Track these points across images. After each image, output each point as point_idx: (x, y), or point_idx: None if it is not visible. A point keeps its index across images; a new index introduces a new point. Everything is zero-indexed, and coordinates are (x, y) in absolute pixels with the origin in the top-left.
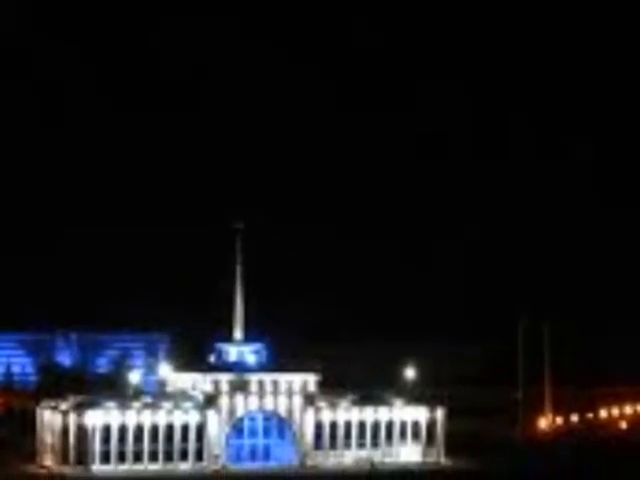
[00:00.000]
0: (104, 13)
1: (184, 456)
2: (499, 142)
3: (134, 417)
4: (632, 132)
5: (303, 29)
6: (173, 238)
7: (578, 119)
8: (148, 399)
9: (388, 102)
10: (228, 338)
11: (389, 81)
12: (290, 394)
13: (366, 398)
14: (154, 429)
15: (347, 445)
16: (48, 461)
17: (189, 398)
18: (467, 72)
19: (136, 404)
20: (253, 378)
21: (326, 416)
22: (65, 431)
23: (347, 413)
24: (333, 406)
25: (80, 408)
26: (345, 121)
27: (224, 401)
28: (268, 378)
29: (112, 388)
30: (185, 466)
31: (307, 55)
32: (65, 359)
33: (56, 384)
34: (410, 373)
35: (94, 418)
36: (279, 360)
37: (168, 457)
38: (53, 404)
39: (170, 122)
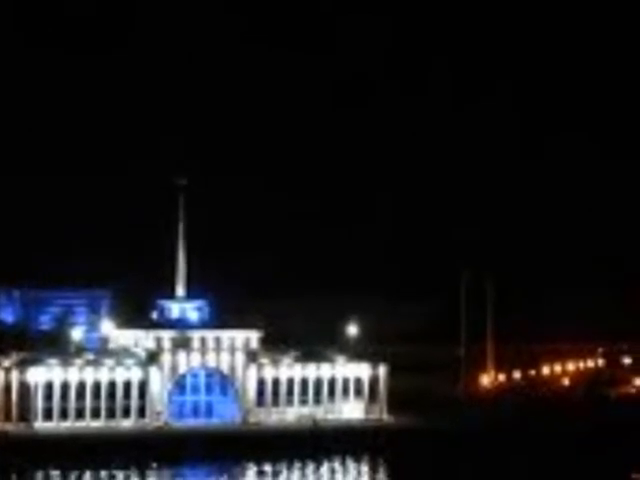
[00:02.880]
0: None
1: (126, 413)
2: (421, 86)
3: (76, 374)
4: (554, 73)
5: None
6: (115, 192)
7: (500, 60)
8: (90, 356)
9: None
10: (170, 295)
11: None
12: (232, 351)
13: (308, 355)
14: (96, 386)
15: (289, 402)
16: None
17: (131, 355)
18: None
19: (78, 361)
20: (195, 335)
21: (268, 373)
22: (7, 388)
23: (289, 370)
24: (275, 363)
25: (22, 365)
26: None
27: (166, 358)
28: (210, 335)
29: (54, 345)
30: (127, 423)
31: None
32: (7, 316)
33: None
34: (352, 330)
35: (36, 375)
36: (221, 317)
37: (110, 414)
38: None
39: (112, 64)
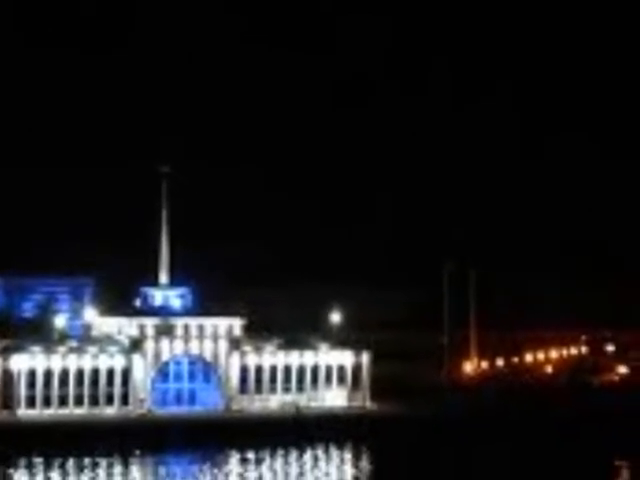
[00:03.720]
0: None
1: (109, 400)
2: (421, 86)
3: (59, 361)
4: (554, 73)
5: None
6: (99, 180)
7: (500, 60)
8: (74, 343)
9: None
10: (154, 282)
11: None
12: (216, 338)
13: (292, 342)
14: (79, 373)
15: (272, 389)
16: None
17: (114, 342)
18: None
19: (61, 348)
20: (179, 322)
21: (251, 360)
22: None
23: (273, 357)
24: (259, 350)
25: (6, 352)
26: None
27: (149, 345)
28: (194, 322)
29: (37, 332)
30: (110, 410)
31: None
32: None
33: None
34: (335, 317)
35: (19, 362)
36: (204, 304)
37: (94, 401)
38: None
39: (97, 61)
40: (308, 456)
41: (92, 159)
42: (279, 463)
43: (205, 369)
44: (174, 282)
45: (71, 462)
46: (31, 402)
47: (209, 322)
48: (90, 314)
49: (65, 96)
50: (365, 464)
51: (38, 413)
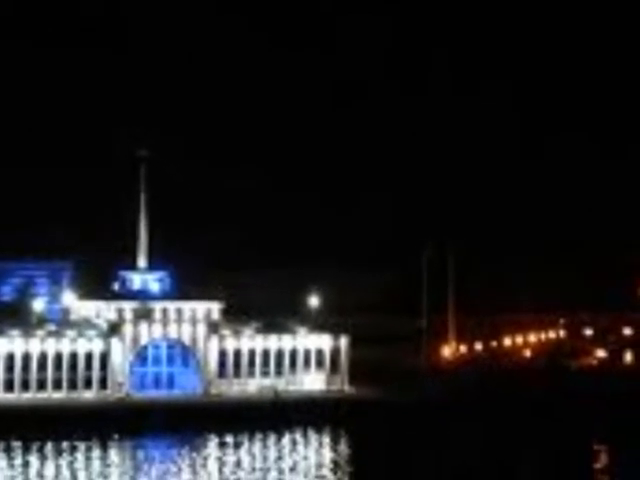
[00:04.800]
0: None
1: (88, 384)
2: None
3: (38, 345)
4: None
5: None
6: (77, 164)
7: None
8: (52, 327)
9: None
10: (132, 266)
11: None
12: (194, 322)
13: (270, 326)
14: (58, 357)
15: (251, 373)
16: None
17: (93, 326)
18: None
19: (40, 332)
20: (157, 306)
21: (230, 344)
22: None
23: (251, 341)
24: (237, 334)
25: None
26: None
27: (128, 329)
28: (172, 306)
29: (16, 316)
30: (89, 394)
31: None
32: None
33: None
34: (314, 301)
35: None
36: (183, 288)
37: (72, 385)
38: None
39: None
40: (286, 440)
41: (71, 143)
42: (257, 447)
43: (183, 353)
44: (152, 266)
45: (49, 446)
46: (9, 386)
47: (187, 306)
48: (68, 298)
49: (48, 84)
50: (343, 448)
51: (16, 397)
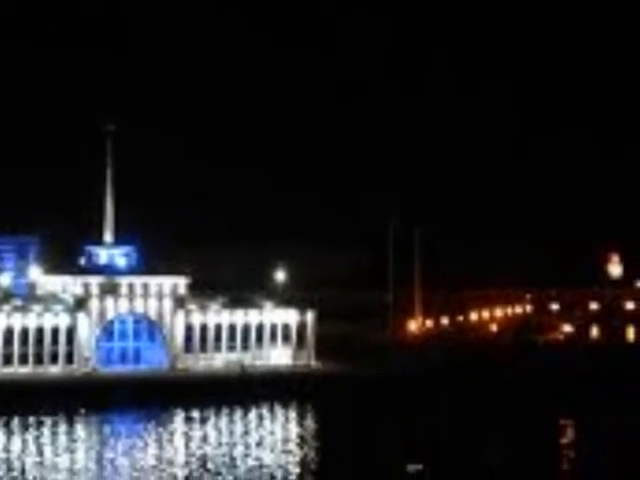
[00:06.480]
0: None
1: (54, 359)
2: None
3: (4, 320)
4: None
5: None
6: (43, 137)
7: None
8: (18, 302)
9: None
10: (98, 241)
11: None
12: (160, 297)
13: (236, 301)
14: (24, 332)
15: (217, 348)
16: None
17: (59, 301)
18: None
19: (6, 307)
20: (123, 281)
21: (196, 319)
22: None
23: (217, 316)
24: (203, 309)
25: None
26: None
27: (94, 304)
28: (138, 281)
29: None
30: (55, 369)
31: None
32: None
33: None
34: (280, 276)
35: None
36: (149, 263)
37: (38, 360)
38: None
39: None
40: (253, 415)
41: (36, 116)
42: (224, 422)
43: (150, 328)
44: (119, 241)
45: (16, 421)
46: None
47: (154, 281)
48: (35, 273)
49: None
50: (310, 423)
51: None
